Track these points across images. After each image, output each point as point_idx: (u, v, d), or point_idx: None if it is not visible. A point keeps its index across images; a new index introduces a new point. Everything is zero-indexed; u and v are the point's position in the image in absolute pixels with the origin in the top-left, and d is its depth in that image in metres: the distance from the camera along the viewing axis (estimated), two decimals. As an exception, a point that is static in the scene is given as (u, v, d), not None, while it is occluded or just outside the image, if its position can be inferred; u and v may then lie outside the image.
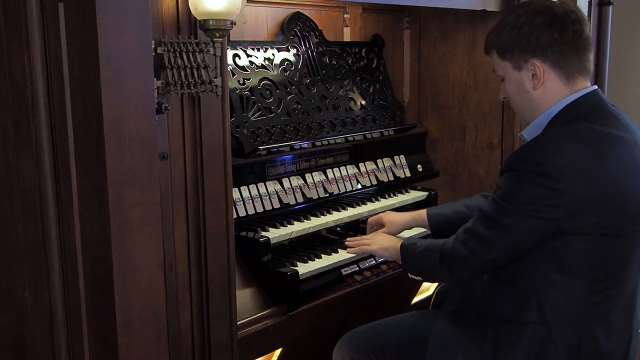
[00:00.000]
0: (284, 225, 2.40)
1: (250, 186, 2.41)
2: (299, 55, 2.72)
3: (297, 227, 2.41)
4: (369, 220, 2.42)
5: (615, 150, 1.68)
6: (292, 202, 2.55)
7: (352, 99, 2.91)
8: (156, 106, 1.63)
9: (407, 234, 2.44)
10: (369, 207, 2.71)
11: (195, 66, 1.75)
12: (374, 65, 3.07)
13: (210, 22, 1.72)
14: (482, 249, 1.76)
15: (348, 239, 2.30)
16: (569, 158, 1.64)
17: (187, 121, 1.82)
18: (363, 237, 2.28)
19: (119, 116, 1.47)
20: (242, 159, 2.35)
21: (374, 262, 2.53)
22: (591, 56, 1.81)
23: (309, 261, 2.34)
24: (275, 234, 2.32)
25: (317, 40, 2.82)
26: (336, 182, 2.74)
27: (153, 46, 1.61)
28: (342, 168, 2.80)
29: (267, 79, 2.57)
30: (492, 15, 2.93)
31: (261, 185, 2.46)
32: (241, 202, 2.36)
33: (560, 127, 1.74)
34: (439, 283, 2.97)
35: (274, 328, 2.17)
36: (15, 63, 1.60)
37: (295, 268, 2.25)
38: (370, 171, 2.91)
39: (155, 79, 1.63)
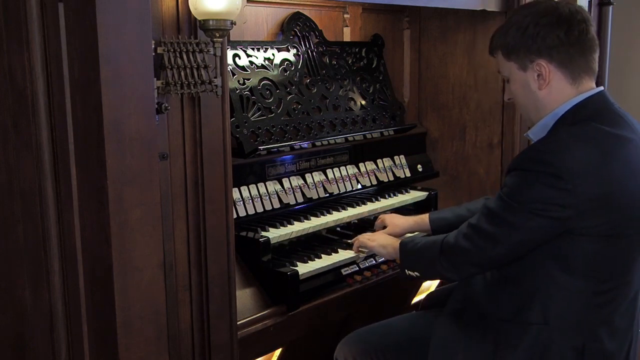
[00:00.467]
0: (284, 225, 2.40)
1: (250, 186, 2.41)
2: (299, 55, 2.72)
3: (297, 227, 2.41)
4: (376, 222, 2.48)
5: (623, 151, 1.69)
6: (292, 202, 2.55)
7: (352, 99, 2.91)
8: (156, 106, 1.63)
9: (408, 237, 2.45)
10: (369, 207, 2.71)
11: (195, 66, 1.75)
12: (374, 65, 3.07)
13: (210, 22, 1.72)
14: (486, 245, 1.77)
15: (353, 239, 2.35)
16: (578, 159, 1.64)
17: (187, 121, 1.82)
18: (365, 234, 2.32)
19: (119, 116, 1.47)
20: (242, 159, 2.35)
21: (374, 262, 2.54)
22: (596, 56, 1.81)
23: (309, 261, 2.34)
24: (275, 234, 2.32)
25: (317, 40, 2.82)
26: (336, 182, 2.74)
27: (153, 46, 1.61)
28: (342, 168, 2.80)
29: (267, 79, 2.57)
30: (492, 15, 2.93)
31: (261, 185, 2.46)
32: (241, 202, 2.36)
33: (569, 128, 1.74)
34: (439, 282, 2.97)
35: (274, 328, 2.17)
36: (15, 63, 1.60)
37: (295, 268, 2.25)
38: (370, 171, 2.91)
39: (155, 79, 1.64)
